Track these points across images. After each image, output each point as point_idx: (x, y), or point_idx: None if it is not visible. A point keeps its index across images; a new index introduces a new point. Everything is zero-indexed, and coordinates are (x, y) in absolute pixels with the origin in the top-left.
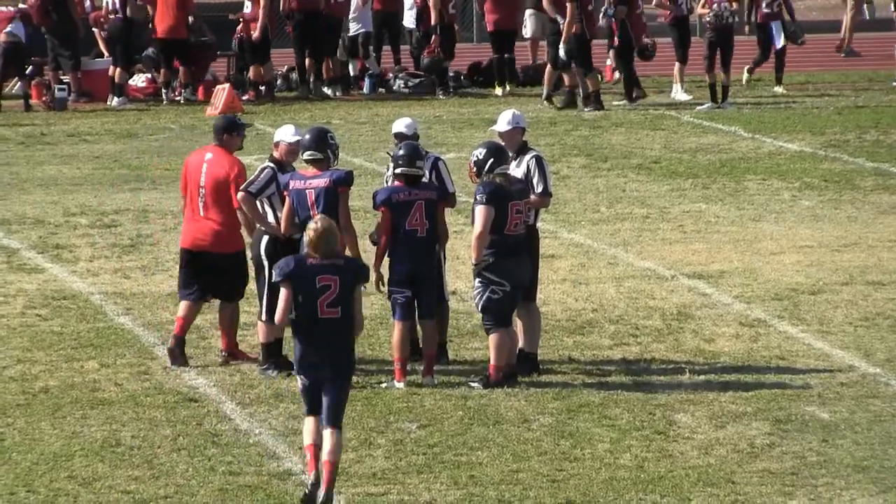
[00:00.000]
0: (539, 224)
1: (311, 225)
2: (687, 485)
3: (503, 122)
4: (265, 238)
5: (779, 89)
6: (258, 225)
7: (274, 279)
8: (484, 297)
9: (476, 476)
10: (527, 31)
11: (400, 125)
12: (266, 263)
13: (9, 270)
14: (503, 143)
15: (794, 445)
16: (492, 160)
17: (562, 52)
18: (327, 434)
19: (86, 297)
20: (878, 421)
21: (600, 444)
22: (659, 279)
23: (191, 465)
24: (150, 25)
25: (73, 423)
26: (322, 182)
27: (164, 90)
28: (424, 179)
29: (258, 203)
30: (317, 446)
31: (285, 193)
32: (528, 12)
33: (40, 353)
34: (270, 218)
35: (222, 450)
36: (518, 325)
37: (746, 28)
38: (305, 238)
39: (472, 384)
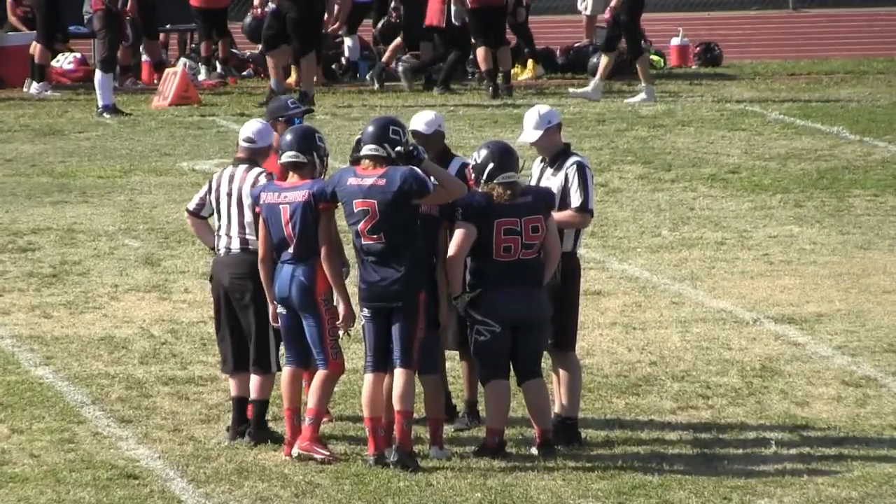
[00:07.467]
0: (581, 251)
1: None
2: None
3: (530, 128)
4: None
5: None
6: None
7: None
8: (471, 341)
9: None
10: (586, 6)
11: (419, 122)
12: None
13: None
14: (539, 151)
15: None
16: (492, 165)
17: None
18: None
19: None
20: None
21: None
22: (737, 324)
23: None
24: None
25: None
26: (300, 196)
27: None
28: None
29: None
30: None
31: (257, 209)
32: None
33: None
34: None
35: None
36: (554, 381)
37: None
38: None
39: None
